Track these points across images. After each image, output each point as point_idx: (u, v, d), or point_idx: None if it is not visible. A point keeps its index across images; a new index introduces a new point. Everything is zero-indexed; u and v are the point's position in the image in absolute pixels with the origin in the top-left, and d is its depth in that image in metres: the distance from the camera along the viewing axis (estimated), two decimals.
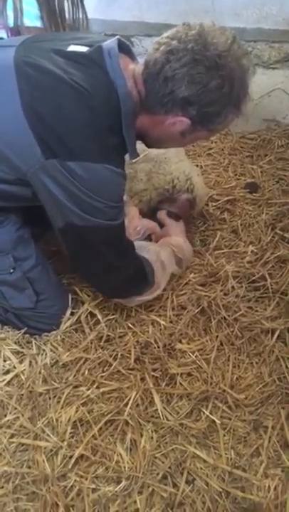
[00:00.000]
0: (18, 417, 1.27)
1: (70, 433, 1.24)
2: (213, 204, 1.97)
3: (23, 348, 1.43)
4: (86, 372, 1.36)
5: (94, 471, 1.17)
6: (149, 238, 1.68)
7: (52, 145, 1.11)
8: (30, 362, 1.39)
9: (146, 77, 1.13)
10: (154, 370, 1.37)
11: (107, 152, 1.15)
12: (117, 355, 1.40)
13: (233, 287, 1.59)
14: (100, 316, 1.49)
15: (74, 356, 1.39)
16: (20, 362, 1.40)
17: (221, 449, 1.21)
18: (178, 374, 1.36)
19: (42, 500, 1.12)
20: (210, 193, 2.00)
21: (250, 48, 2.26)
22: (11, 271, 1.37)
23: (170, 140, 1.27)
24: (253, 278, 1.62)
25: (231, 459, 1.20)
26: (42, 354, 1.42)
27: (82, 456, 1.20)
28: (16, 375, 1.36)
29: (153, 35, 2.26)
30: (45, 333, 1.47)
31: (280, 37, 2.23)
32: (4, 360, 1.40)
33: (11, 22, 1.62)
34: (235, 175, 2.18)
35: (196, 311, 1.51)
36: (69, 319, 1.49)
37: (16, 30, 1.63)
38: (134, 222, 1.61)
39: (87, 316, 1.50)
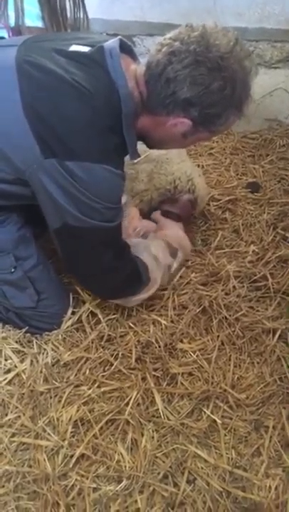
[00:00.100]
0: (19, 416, 1.27)
1: (71, 432, 1.24)
2: (215, 204, 1.97)
3: (24, 347, 1.43)
4: (87, 371, 1.37)
5: (95, 470, 1.18)
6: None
7: (51, 144, 1.11)
8: (32, 361, 1.40)
9: (148, 78, 1.13)
10: (155, 369, 1.37)
11: (106, 153, 1.15)
12: (118, 354, 1.40)
13: (234, 287, 1.59)
14: (101, 316, 1.49)
15: (75, 355, 1.39)
16: (22, 361, 1.40)
17: (222, 448, 1.21)
18: (179, 374, 1.36)
19: (43, 499, 1.12)
20: (211, 193, 2.00)
21: (252, 48, 2.26)
22: (12, 270, 1.37)
23: (171, 141, 1.27)
24: (255, 278, 1.62)
25: (232, 458, 1.20)
26: (43, 353, 1.42)
27: (83, 455, 1.20)
28: (17, 374, 1.36)
29: (155, 34, 2.26)
30: (47, 333, 1.47)
31: (282, 36, 2.23)
32: (5, 359, 1.40)
33: (12, 22, 1.62)
34: (237, 174, 2.18)
35: (198, 310, 1.51)
36: (70, 318, 1.49)
37: (17, 30, 1.63)
38: (134, 223, 1.60)
39: (88, 316, 1.50)
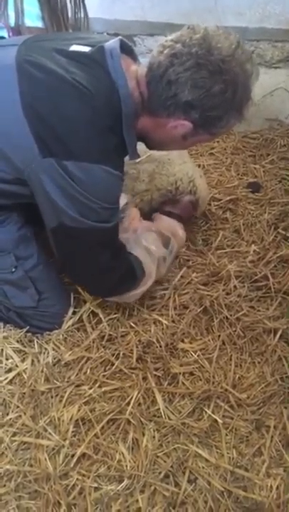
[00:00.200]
0: (20, 416, 1.27)
1: (72, 432, 1.24)
2: (216, 203, 1.97)
3: (25, 346, 1.43)
4: (88, 371, 1.37)
5: (96, 469, 1.18)
6: None
7: (50, 144, 1.11)
8: (33, 361, 1.40)
9: (150, 80, 1.13)
10: (156, 369, 1.37)
11: (106, 153, 1.15)
12: (119, 354, 1.40)
13: (235, 287, 1.59)
14: (102, 315, 1.49)
15: (76, 355, 1.39)
16: (23, 361, 1.40)
17: (223, 448, 1.21)
18: (180, 373, 1.36)
19: (44, 498, 1.12)
20: (212, 193, 2.00)
21: (252, 48, 2.26)
22: (13, 270, 1.37)
23: (172, 142, 1.27)
24: (256, 277, 1.62)
25: (233, 458, 1.20)
26: (44, 353, 1.42)
27: (84, 454, 1.20)
28: (18, 374, 1.36)
29: (156, 34, 2.26)
30: (47, 332, 1.47)
31: (282, 36, 2.23)
32: (6, 359, 1.40)
33: (12, 22, 1.62)
34: (238, 174, 2.18)
35: (199, 310, 1.51)
36: (71, 318, 1.49)
37: (17, 30, 1.63)
38: (135, 224, 1.60)
39: (89, 315, 1.50)
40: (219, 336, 1.45)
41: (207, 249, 1.76)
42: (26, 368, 1.37)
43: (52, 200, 1.15)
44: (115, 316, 1.50)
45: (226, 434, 1.25)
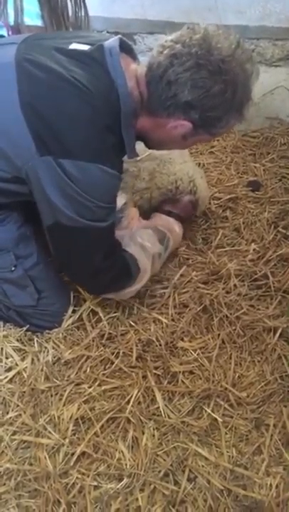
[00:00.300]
0: (20, 414, 1.27)
1: (72, 430, 1.24)
2: (216, 202, 1.97)
3: (25, 345, 1.43)
4: (88, 369, 1.37)
5: (96, 468, 1.18)
6: None
7: (48, 142, 1.11)
8: (32, 359, 1.40)
9: (150, 80, 1.13)
10: (156, 368, 1.37)
11: (103, 152, 1.14)
12: (118, 353, 1.40)
13: (235, 285, 1.59)
14: (101, 314, 1.49)
15: (76, 354, 1.40)
16: (23, 359, 1.40)
17: (223, 447, 1.22)
18: (180, 372, 1.36)
19: (44, 497, 1.12)
20: (212, 191, 2.00)
21: (253, 46, 2.26)
22: (12, 269, 1.37)
23: (171, 142, 1.27)
24: (255, 276, 1.62)
25: (233, 457, 1.20)
26: (44, 351, 1.42)
27: (83, 453, 1.20)
28: (18, 373, 1.36)
29: (156, 32, 2.25)
30: (47, 331, 1.47)
31: (283, 35, 2.23)
32: (6, 358, 1.40)
33: (11, 20, 1.61)
34: (238, 173, 2.18)
35: (198, 309, 1.51)
36: (71, 317, 1.49)
37: (16, 29, 1.63)
38: (134, 224, 1.60)
39: (88, 314, 1.50)
40: (219, 334, 1.45)
41: (207, 248, 1.76)
42: (26, 367, 1.37)
43: (49, 199, 1.16)
44: (115, 314, 1.50)
45: (226, 433, 1.25)
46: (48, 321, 1.46)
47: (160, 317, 1.49)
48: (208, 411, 1.28)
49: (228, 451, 1.21)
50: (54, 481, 1.14)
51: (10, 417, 1.27)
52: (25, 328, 1.46)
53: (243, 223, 1.87)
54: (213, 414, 1.27)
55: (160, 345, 1.41)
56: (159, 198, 1.76)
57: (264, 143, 2.38)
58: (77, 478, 1.15)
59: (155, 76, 1.11)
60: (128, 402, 1.29)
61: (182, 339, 1.44)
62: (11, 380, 1.35)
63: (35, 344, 1.43)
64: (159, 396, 1.30)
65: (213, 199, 1.98)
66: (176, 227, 1.66)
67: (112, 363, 1.38)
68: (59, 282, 1.51)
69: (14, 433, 1.24)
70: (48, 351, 1.41)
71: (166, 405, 1.29)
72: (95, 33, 1.65)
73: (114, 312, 1.51)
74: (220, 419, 1.26)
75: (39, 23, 1.66)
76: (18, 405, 1.29)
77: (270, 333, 1.47)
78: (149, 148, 1.36)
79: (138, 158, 1.67)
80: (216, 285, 1.59)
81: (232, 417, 1.28)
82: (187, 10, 2.16)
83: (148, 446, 1.21)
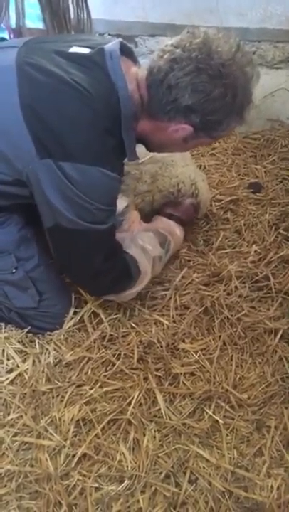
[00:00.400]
0: (21, 416, 1.27)
1: (73, 432, 1.24)
2: (217, 204, 1.97)
3: (26, 347, 1.44)
4: (89, 371, 1.37)
5: (97, 470, 1.18)
6: None
7: (48, 145, 1.11)
8: (34, 361, 1.40)
9: (150, 83, 1.13)
10: (157, 369, 1.37)
11: (103, 155, 1.15)
12: (120, 354, 1.41)
13: (236, 287, 1.59)
14: (103, 316, 1.49)
15: (77, 355, 1.40)
16: (24, 361, 1.40)
17: (224, 448, 1.21)
18: (181, 374, 1.36)
19: (45, 499, 1.12)
20: (213, 193, 2.00)
21: (254, 48, 2.27)
22: (13, 271, 1.37)
23: (172, 145, 1.27)
24: (256, 278, 1.62)
25: (234, 458, 1.20)
26: (45, 353, 1.42)
27: (85, 455, 1.20)
28: (20, 374, 1.37)
29: (157, 35, 2.26)
30: (49, 333, 1.47)
31: (284, 37, 2.23)
32: (8, 359, 1.40)
33: (13, 23, 1.62)
34: (239, 175, 2.18)
35: (199, 310, 1.51)
36: (72, 318, 1.49)
37: (18, 32, 1.63)
38: (134, 227, 1.60)
39: (90, 316, 1.51)
40: (220, 336, 1.45)
41: (208, 250, 1.76)
42: (27, 369, 1.37)
43: (49, 201, 1.16)
44: (116, 316, 1.50)
45: (227, 435, 1.25)
46: (49, 323, 1.47)
47: (161, 319, 1.49)
48: (209, 413, 1.28)
49: (229, 453, 1.21)
50: (55, 482, 1.14)
51: (11, 419, 1.27)
52: (26, 330, 1.46)
53: (244, 225, 1.87)
54: (214, 415, 1.27)
55: (161, 346, 1.41)
56: (160, 201, 1.76)
57: (265, 145, 2.38)
58: (78, 479, 1.15)
59: (156, 80, 1.11)
60: (129, 403, 1.29)
61: (183, 341, 1.44)
62: (12, 382, 1.35)
63: (37, 346, 1.44)
64: (160, 398, 1.30)
65: (214, 201, 1.98)
66: (177, 231, 1.66)
67: (114, 364, 1.38)
68: (60, 284, 1.51)
69: (15, 434, 1.24)
70: (49, 353, 1.41)
71: (167, 407, 1.29)
72: (96, 36, 1.65)
73: (116, 314, 1.51)
74: (221, 421, 1.26)
75: (41, 25, 1.67)
76: (19, 407, 1.29)
77: (271, 335, 1.47)
78: (150, 151, 1.36)
79: (140, 161, 1.67)
80: (217, 287, 1.59)
81: (233, 419, 1.28)
82: (188, 12, 2.17)
83: (149, 448, 1.21)
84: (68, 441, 1.21)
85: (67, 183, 1.12)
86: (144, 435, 1.23)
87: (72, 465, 1.18)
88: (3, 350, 1.42)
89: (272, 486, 1.15)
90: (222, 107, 1.10)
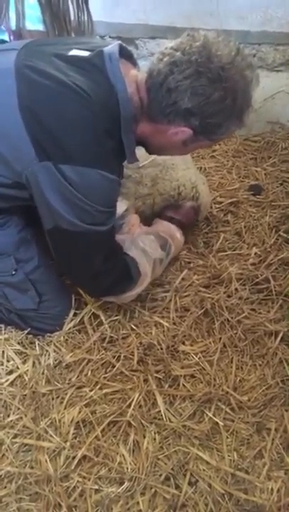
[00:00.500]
0: (21, 418, 1.27)
1: (73, 434, 1.24)
2: (217, 206, 1.97)
3: (26, 348, 1.44)
4: (89, 373, 1.37)
5: (97, 471, 1.17)
6: None
7: (47, 147, 1.11)
8: (34, 362, 1.40)
9: (150, 86, 1.14)
10: (157, 371, 1.37)
11: (103, 157, 1.15)
12: (120, 356, 1.40)
13: (236, 289, 1.59)
14: (103, 317, 1.49)
15: (77, 357, 1.39)
16: (24, 362, 1.40)
17: (224, 450, 1.21)
18: (181, 376, 1.36)
19: (44, 500, 1.12)
20: (213, 195, 2.00)
21: (254, 51, 2.27)
22: (13, 272, 1.38)
23: (172, 148, 1.27)
24: (257, 280, 1.62)
25: (234, 460, 1.20)
26: (45, 355, 1.42)
27: (85, 456, 1.20)
28: (19, 376, 1.36)
29: (157, 37, 2.26)
30: (48, 334, 1.47)
31: (284, 40, 2.24)
32: (7, 361, 1.40)
33: (13, 25, 1.62)
34: (239, 177, 2.18)
35: (200, 312, 1.51)
36: (72, 320, 1.49)
37: (18, 34, 1.63)
38: (134, 230, 1.61)
39: (90, 317, 1.50)
40: (220, 338, 1.45)
41: (208, 252, 1.76)
42: (27, 370, 1.37)
43: (49, 204, 1.16)
44: (116, 318, 1.50)
45: (227, 437, 1.25)
46: (49, 324, 1.46)
47: (161, 320, 1.49)
48: (210, 415, 1.28)
49: (229, 455, 1.21)
50: (55, 484, 1.14)
51: (11, 420, 1.26)
52: (26, 332, 1.46)
53: (245, 227, 1.87)
54: (214, 418, 1.27)
55: (161, 348, 1.41)
56: (161, 204, 1.76)
57: (265, 147, 2.39)
58: (78, 481, 1.15)
59: (155, 83, 1.11)
60: (129, 405, 1.29)
61: (183, 343, 1.44)
62: (12, 383, 1.35)
63: (37, 347, 1.43)
64: (160, 400, 1.30)
65: (214, 203, 1.98)
66: (178, 234, 1.66)
67: (114, 366, 1.38)
68: (60, 285, 1.51)
69: (15, 436, 1.24)
70: (49, 354, 1.41)
71: (167, 409, 1.29)
72: (97, 38, 1.65)
73: (116, 315, 1.51)
74: (221, 423, 1.26)
75: (41, 27, 1.67)
76: (19, 408, 1.29)
77: (271, 337, 1.47)
78: (150, 154, 1.37)
79: (140, 165, 1.68)
80: (218, 289, 1.59)
81: (233, 421, 1.27)
82: (189, 15, 2.17)
83: (149, 450, 1.20)
84: (68, 443, 1.21)
85: (66, 185, 1.12)
86: (144, 437, 1.23)
87: (72, 467, 1.17)
88: (3, 352, 1.42)
89: (272, 489, 1.15)
90: (222, 110, 1.11)
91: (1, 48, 1.29)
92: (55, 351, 1.42)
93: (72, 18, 1.71)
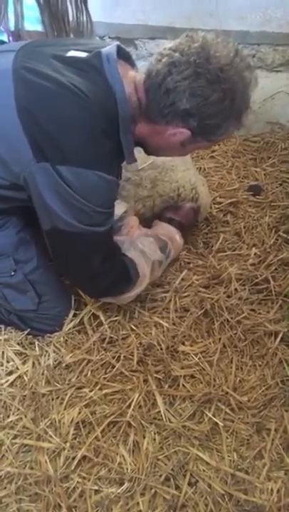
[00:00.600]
0: (20, 418, 1.27)
1: (73, 434, 1.24)
2: (217, 206, 1.97)
3: (26, 349, 1.44)
4: (89, 373, 1.37)
5: (96, 472, 1.17)
6: None
7: (45, 148, 1.11)
8: (33, 363, 1.40)
9: (148, 87, 1.13)
10: (157, 372, 1.37)
11: (100, 158, 1.15)
12: (119, 356, 1.40)
13: (236, 289, 1.59)
14: (102, 318, 1.49)
15: (77, 358, 1.39)
16: (24, 363, 1.40)
17: (224, 451, 1.21)
18: (181, 376, 1.36)
19: (44, 501, 1.12)
20: (213, 196, 2.00)
21: (253, 52, 2.27)
22: (12, 273, 1.38)
23: (170, 149, 1.27)
24: (256, 280, 1.62)
25: (234, 461, 1.20)
26: (45, 355, 1.42)
27: (84, 457, 1.20)
28: (19, 376, 1.36)
29: (157, 38, 2.26)
30: (48, 335, 1.47)
31: (284, 40, 2.24)
32: (7, 361, 1.40)
33: (11, 26, 1.62)
34: (239, 177, 2.18)
35: (199, 313, 1.51)
36: (72, 321, 1.49)
37: (17, 34, 1.63)
38: (133, 232, 1.61)
39: (90, 318, 1.51)
40: (220, 338, 1.45)
41: (208, 252, 1.76)
42: (27, 371, 1.37)
43: (47, 205, 1.16)
44: (116, 318, 1.50)
45: (227, 437, 1.25)
46: (48, 325, 1.46)
47: (161, 321, 1.49)
48: (209, 415, 1.28)
49: (229, 456, 1.21)
50: (55, 485, 1.14)
51: (11, 421, 1.26)
52: (26, 332, 1.46)
53: (244, 227, 1.87)
54: (214, 418, 1.27)
55: (161, 349, 1.41)
56: (161, 206, 1.76)
57: (265, 147, 2.39)
58: (78, 482, 1.15)
59: (154, 84, 1.11)
60: (129, 406, 1.29)
61: (183, 343, 1.44)
62: (11, 384, 1.35)
63: (36, 348, 1.43)
64: (160, 400, 1.30)
65: (214, 203, 1.98)
66: (177, 236, 1.66)
67: (113, 366, 1.38)
68: (60, 286, 1.51)
69: (15, 437, 1.24)
70: (48, 355, 1.41)
71: (167, 409, 1.29)
72: (96, 39, 1.65)
73: (116, 316, 1.51)
74: (221, 424, 1.26)
75: (40, 28, 1.67)
76: (18, 409, 1.29)
77: (271, 338, 1.47)
78: (148, 154, 1.36)
79: (140, 168, 1.68)
80: (217, 289, 1.60)
81: (233, 422, 1.27)
82: (188, 15, 2.17)
83: (149, 451, 1.20)
84: (68, 444, 1.21)
85: (64, 186, 1.12)
86: (144, 437, 1.23)
87: (72, 467, 1.17)
88: (3, 353, 1.42)
89: (272, 489, 1.15)
90: (220, 111, 1.10)
91: None
92: (54, 352, 1.42)
93: (70, 18, 1.71)
